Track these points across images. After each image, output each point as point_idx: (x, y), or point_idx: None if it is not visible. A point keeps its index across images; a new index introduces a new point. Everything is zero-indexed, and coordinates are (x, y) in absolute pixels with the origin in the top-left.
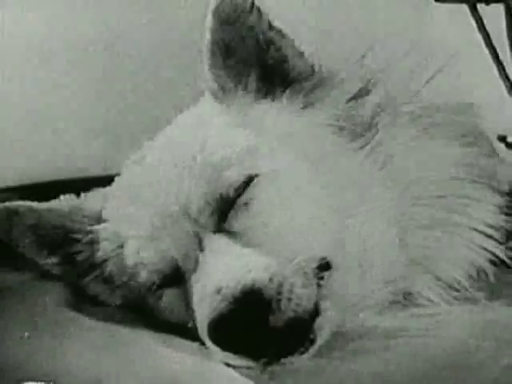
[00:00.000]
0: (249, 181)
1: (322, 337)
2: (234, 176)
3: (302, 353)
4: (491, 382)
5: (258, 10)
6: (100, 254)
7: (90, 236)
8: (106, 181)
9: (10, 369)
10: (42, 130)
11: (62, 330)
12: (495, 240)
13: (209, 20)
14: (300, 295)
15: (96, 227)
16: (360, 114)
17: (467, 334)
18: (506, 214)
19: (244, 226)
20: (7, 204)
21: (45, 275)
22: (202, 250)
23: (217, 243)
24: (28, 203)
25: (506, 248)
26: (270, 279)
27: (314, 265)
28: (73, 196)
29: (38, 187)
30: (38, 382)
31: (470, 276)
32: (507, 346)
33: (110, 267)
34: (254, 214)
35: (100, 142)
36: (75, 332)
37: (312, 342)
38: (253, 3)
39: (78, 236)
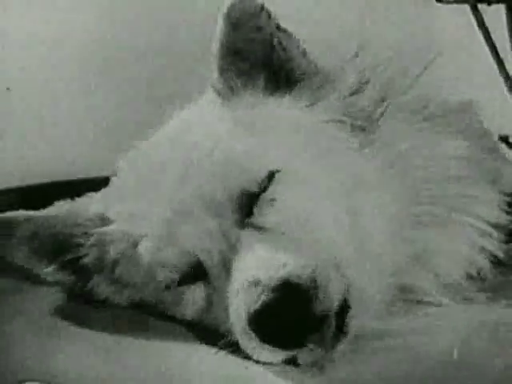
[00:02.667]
0: (270, 176)
1: (352, 331)
2: (256, 171)
3: (335, 346)
4: (491, 382)
5: (267, 12)
6: (110, 256)
7: (95, 238)
8: (103, 182)
9: (9, 370)
10: (40, 130)
11: (57, 332)
12: (496, 240)
13: (220, 24)
14: (333, 288)
15: (102, 229)
16: (360, 107)
17: (467, 334)
18: (508, 213)
19: (272, 221)
20: (2, 215)
21: (35, 280)
22: (230, 245)
23: (247, 238)
24: (24, 213)
25: (508, 248)
26: (305, 272)
27: (341, 259)
28: (68, 201)
29: (36, 189)
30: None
31: (470, 275)
32: (505, 346)
33: (121, 268)
34: (280, 209)
35: (98, 142)
36: (71, 335)
37: (345, 335)
38: (262, 6)
39: (81, 240)
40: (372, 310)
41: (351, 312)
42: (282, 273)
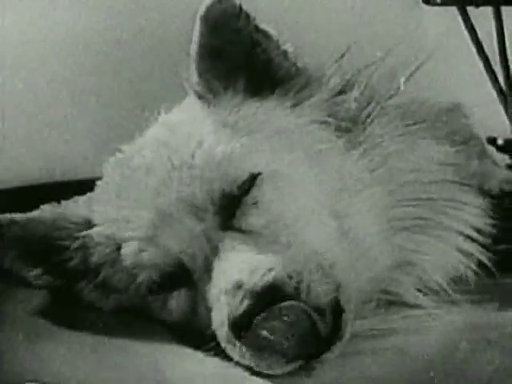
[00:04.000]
0: (252, 179)
1: (347, 333)
2: (237, 173)
3: (331, 350)
4: (476, 383)
5: (246, 13)
6: (95, 259)
7: (80, 242)
8: (89, 184)
9: (8, 371)
10: (26, 133)
11: (43, 334)
12: (480, 244)
13: (197, 25)
14: (318, 290)
15: (87, 232)
16: (345, 108)
17: (455, 336)
18: (493, 218)
19: (255, 224)
20: None
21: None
22: (213, 248)
23: (230, 241)
24: (9, 216)
25: (492, 252)
26: (289, 276)
27: (328, 262)
28: (54, 204)
29: (24, 190)
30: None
31: (453, 280)
32: (492, 348)
33: (105, 271)
34: (263, 212)
35: (86, 144)
36: (58, 337)
37: (340, 338)
38: (241, 8)
39: (66, 243)
40: (359, 311)
41: (346, 315)
42: (266, 278)
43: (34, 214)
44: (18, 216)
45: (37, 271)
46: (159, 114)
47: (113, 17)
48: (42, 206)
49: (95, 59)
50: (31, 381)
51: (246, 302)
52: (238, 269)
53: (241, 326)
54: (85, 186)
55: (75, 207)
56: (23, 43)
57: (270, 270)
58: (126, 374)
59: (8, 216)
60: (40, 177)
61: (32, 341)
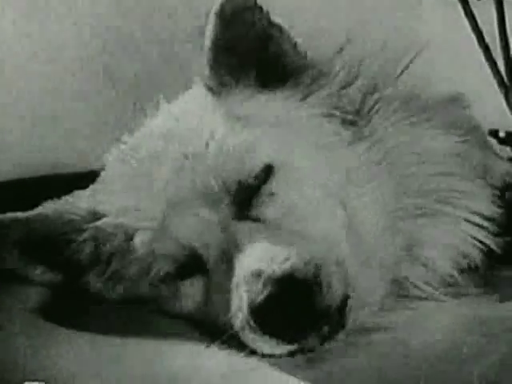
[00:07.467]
0: (267, 170)
1: (349, 322)
2: (252, 164)
3: (334, 338)
4: (479, 376)
5: (260, 7)
6: (105, 250)
7: (89, 233)
8: (90, 176)
9: (9, 369)
10: (24, 124)
11: (46, 333)
12: (488, 231)
13: (212, 21)
14: (335, 283)
15: (96, 224)
16: (349, 100)
17: (460, 328)
18: (500, 207)
19: (270, 214)
20: None
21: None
22: (229, 237)
23: (247, 231)
24: (12, 214)
25: (500, 241)
26: (308, 266)
27: (339, 254)
28: (56, 200)
29: (21, 183)
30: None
31: (461, 267)
32: (496, 341)
33: (117, 261)
34: (278, 203)
35: (84, 137)
36: (61, 336)
37: (343, 326)
38: (255, 2)
39: (73, 237)
40: (370, 304)
41: (349, 305)
42: (285, 266)
43: (37, 211)
44: (20, 214)
45: (41, 268)
46: (159, 104)
47: (118, 11)
48: (43, 203)
49: (96, 53)
50: (32, 379)
51: (268, 290)
52: (256, 258)
53: (262, 313)
54: (82, 178)
55: (79, 200)
56: (23, 37)
57: (286, 259)
58: (129, 372)
59: (10, 215)
60: (38, 169)
61: (32, 339)
